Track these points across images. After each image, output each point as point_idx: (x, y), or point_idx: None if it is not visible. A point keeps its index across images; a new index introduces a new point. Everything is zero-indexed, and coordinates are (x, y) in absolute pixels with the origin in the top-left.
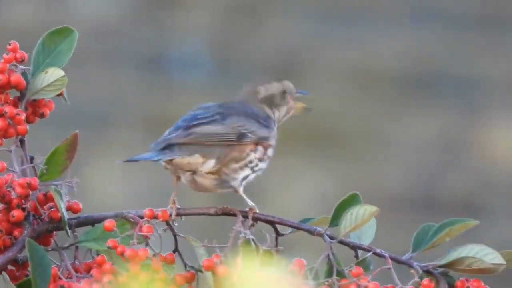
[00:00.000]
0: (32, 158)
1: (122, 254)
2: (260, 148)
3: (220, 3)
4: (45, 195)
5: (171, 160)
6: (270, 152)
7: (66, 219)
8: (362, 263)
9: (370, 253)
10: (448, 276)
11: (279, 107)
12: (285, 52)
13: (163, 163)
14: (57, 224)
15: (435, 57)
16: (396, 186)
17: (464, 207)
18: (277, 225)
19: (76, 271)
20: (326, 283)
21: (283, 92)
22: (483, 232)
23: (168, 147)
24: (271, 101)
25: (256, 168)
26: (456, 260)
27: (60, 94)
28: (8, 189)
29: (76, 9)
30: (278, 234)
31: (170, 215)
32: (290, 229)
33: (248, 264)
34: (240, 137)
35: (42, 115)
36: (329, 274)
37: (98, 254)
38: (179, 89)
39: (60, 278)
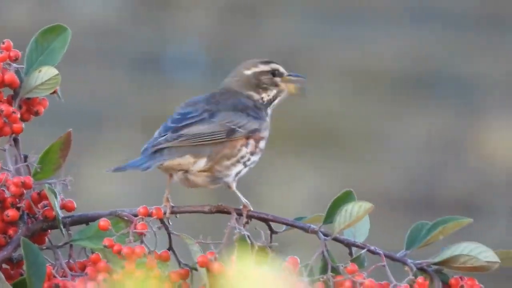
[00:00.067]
0: (26, 157)
1: (118, 252)
2: (251, 141)
3: (218, 3)
4: (39, 193)
5: (161, 164)
6: (262, 144)
7: (60, 218)
8: (356, 260)
9: (364, 250)
10: (442, 274)
11: (267, 90)
12: (284, 52)
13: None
14: (52, 222)
15: (434, 57)
16: (395, 186)
17: (463, 207)
18: (271, 223)
19: (71, 269)
20: (321, 280)
21: (271, 74)
22: (483, 232)
23: (158, 150)
24: (258, 84)
25: (248, 163)
26: (450, 257)
27: (54, 92)
28: (2, 188)
29: (74, 9)
30: (272, 231)
31: (165, 213)
32: (284, 227)
33: (242, 261)
34: (230, 133)
35: (36, 113)
36: (323, 271)
37: (92, 253)
38: (177, 89)
39: (54, 276)
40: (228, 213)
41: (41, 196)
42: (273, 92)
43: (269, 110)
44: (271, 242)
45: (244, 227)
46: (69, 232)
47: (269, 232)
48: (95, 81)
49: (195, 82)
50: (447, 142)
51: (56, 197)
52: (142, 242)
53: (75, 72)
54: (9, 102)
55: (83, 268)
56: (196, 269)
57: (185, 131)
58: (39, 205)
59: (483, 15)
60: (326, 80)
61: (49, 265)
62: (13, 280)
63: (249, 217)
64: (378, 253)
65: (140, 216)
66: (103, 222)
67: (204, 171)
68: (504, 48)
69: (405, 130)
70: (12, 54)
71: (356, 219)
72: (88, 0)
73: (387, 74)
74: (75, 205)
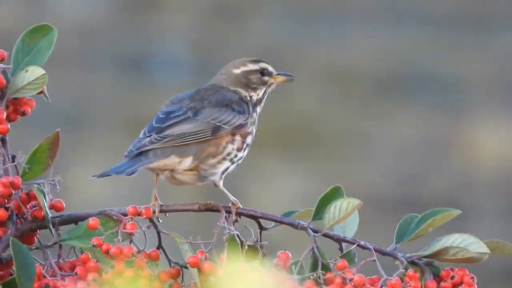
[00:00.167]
0: (14, 157)
1: (107, 252)
2: (237, 137)
3: (203, 5)
4: (28, 194)
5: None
6: (249, 139)
7: (49, 218)
8: (347, 256)
9: (354, 246)
10: (433, 266)
11: (256, 89)
12: (265, 53)
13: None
14: (41, 222)
15: (418, 57)
16: (380, 187)
17: (448, 207)
18: (260, 220)
19: (60, 269)
20: (312, 277)
21: (260, 73)
22: (468, 231)
23: (143, 151)
24: (247, 83)
25: (235, 159)
26: (440, 250)
27: (41, 92)
28: None
29: (59, 10)
30: (261, 228)
31: (154, 212)
32: (273, 224)
33: (233, 260)
34: (215, 131)
35: (23, 113)
36: (314, 267)
37: (82, 252)
38: (162, 91)
39: (44, 276)
40: (217, 211)
41: (30, 196)
42: (262, 91)
43: (258, 108)
44: (260, 239)
45: (233, 225)
46: (58, 232)
47: (258, 229)
48: (80, 82)
49: (180, 84)
50: (432, 142)
51: (45, 197)
52: (131, 241)
53: (61, 73)
54: None
55: (72, 267)
56: (186, 268)
57: (169, 131)
58: (28, 205)
59: (468, 14)
60: (310, 80)
61: (39, 265)
62: (3, 280)
63: (238, 214)
64: (368, 248)
65: (129, 216)
66: (92, 221)
67: (190, 170)
68: (488, 48)
69: (390, 130)
70: None
71: (345, 216)
72: (73, 1)
73: (371, 74)
74: (64, 205)
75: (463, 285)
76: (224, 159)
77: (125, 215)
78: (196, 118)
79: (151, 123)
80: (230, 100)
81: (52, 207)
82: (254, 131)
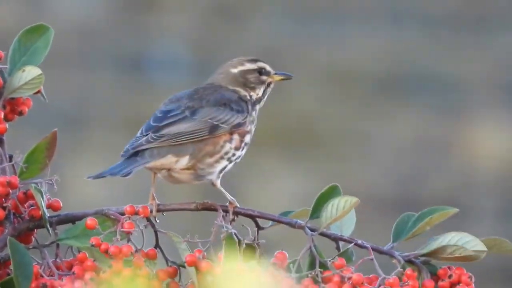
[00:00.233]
0: (11, 157)
1: (106, 251)
2: (235, 136)
3: (202, 5)
4: (25, 193)
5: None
6: (247, 138)
7: (47, 217)
8: (344, 255)
9: (351, 244)
10: (430, 265)
11: (255, 88)
12: (265, 52)
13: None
14: (38, 222)
15: (415, 57)
16: (379, 187)
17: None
18: (257, 219)
19: (58, 268)
20: (309, 275)
21: (258, 72)
22: (467, 231)
23: (139, 151)
24: (245, 83)
25: (233, 158)
26: (438, 248)
27: (38, 92)
28: None
29: (58, 10)
30: (258, 227)
31: (151, 211)
32: (270, 223)
33: (230, 259)
34: (213, 130)
35: (20, 113)
36: (311, 266)
37: (79, 252)
38: (161, 91)
39: (42, 276)
40: (215, 210)
41: (27, 196)
42: (261, 90)
43: (257, 107)
44: (258, 238)
45: (230, 224)
46: (55, 231)
47: (255, 228)
48: (80, 82)
49: (178, 84)
50: (431, 142)
51: (42, 196)
52: (129, 240)
53: (60, 73)
54: None
55: (70, 267)
56: (184, 267)
57: (166, 130)
58: (26, 205)
59: (468, 15)
60: (310, 80)
61: (36, 264)
62: (0, 280)
63: (236, 213)
64: (365, 247)
65: (127, 215)
66: (90, 220)
67: (187, 169)
68: (488, 48)
69: (387, 130)
70: None
71: (342, 214)
72: (73, 1)
73: (371, 74)
74: (61, 205)
75: (460, 284)
76: (221, 158)
77: (122, 214)
78: (194, 118)
79: (149, 122)
80: (229, 99)
81: (49, 206)
82: (253, 130)
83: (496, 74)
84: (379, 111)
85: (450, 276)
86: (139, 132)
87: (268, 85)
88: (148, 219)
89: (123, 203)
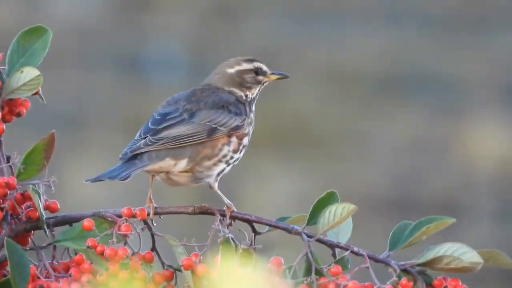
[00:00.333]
0: (9, 158)
1: (101, 253)
2: (233, 139)
3: (199, 5)
4: (22, 194)
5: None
6: (245, 140)
7: (44, 219)
8: (340, 262)
9: (348, 252)
10: (426, 275)
11: (251, 89)
12: (262, 52)
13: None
14: (35, 223)
15: (415, 57)
16: (377, 187)
17: (445, 208)
18: (254, 224)
19: (54, 270)
20: (305, 281)
21: (254, 72)
22: (465, 232)
23: (138, 154)
24: (242, 83)
25: (231, 161)
26: (434, 258)
27: (36, 93)
28: None
29: (55, 10)
30: (255, 232)
31: (148, 214)
32: (267, 228)
33: (227, 263)
34: (211, 133)
35: (18, 114)
36: (307, 272)
37: (76, 254)
38: (158, 91)
39: (38, 277)
40: (212, 214)
41: (25, 197)
42: (257, 90)
43: (253, 107)
44: (254, 243)
45: (227, 228)
46: (52, 233)
47: (252, 233)
48: (78, 82)
49: (176, 84)
50: (429, 143)
51: (39, 197)
52: (125, 243)
53: (56, 74)
54: None
55: (66, 269)
56: (180, 270)
57: (164, 133)
58: (23, 206)
59: (467, 15)
60: (307, 80)
61: (33, 266)
62: None
63: (233, 218)
64: (361, 255)
65: (124, 217)
66: (87, 222)
67: (185, 171)
68: (486, 48)
69: (387, 130)
70: None
71: (339, 221)
72: (69, 1)
73: (369, 74)
74: (59, 206)
75: None
76: (219, 161)
77: (119, 216)
78: (192, 120)
79: (147, 124)
80: (227, 102)
81: (46, 208)
82: (251, 131)
83: (495, 74)
84: (379, 111)
85: (445, 287)
86: (137, 134)
87: (263, 84)
88: (145, 222)
89: (121, 204)
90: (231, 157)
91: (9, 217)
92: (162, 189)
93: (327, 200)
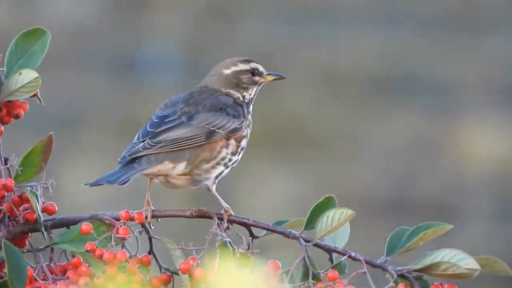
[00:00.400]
0: (6, 160)
1: (100, 257)
2: (232, 142)
3: (194, 6)
4: (20, 196)
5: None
6: (243, 143)
7: (41, 221)
8: (337, 267)
9: (345, 257)
10: (423, 281)
11: (248, 89)
12: (257, 53)
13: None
14: (33, 225)
15: (407, 59)
16: (372, 188)
17: (437, 209)
18: (251, 228)
19: (52, 273)
20: (302, 286)
21: (251, 73)
22: (459, 233)
23: (137, 157)
24: (238, 83)
25: (229, 163)
26: (431, 264)
27: (35, 95)
28: None
29: (50, 11)
30: (252, 236)
31: (146, 217)
32: (264, 232)
33: (224, 267)
34: (209, 135)
35: (17, 116)
36: (304, 277)
37: (73, 256)
38: (154, 92)
39: (36, 280)
40: (209, 217)
41: (23, 199)
42: (253, 91)
43: (251, 108)
44: (252, 247)
45: (225, 232)
46: (50, 235)
47: (250, 237)
48: (74, 84)
49: (171, 84)
50: (427, 144)
51: (37, 200)
52: (123, 246)
53: (52, 75)
54: None
55: (64, 271)
56: (177, 274)
57: (163, 136)
58: (20, 208)
59: (459, 17)
60: (306, 81)
61: (30, 268)
62: None
63: (230, 221)
64: (359, 260)
65: (122, 221)
66: (85, 226)
67: (184, 174)
68: (479, 50)
69: (381, 132)
70: None
71: (337, 226)
72: (65, 2)
73: (364, 76)
74: (56, 208)
75: None
76: (218, 164)
77: (117, 219)
78: (190, 123)
79: (145, 127)
80: (225, 104)
81: (44, 210)
82: (249, 133)
83: (491, 76)
84: (375, 112)
85: None
86: (136, 138)
87: (260, 85)
88: (142, 225)
89: (119, 206)
90: (230, 160)
91: (6, 219)
92: (159, 192)
93: (325, 205)
